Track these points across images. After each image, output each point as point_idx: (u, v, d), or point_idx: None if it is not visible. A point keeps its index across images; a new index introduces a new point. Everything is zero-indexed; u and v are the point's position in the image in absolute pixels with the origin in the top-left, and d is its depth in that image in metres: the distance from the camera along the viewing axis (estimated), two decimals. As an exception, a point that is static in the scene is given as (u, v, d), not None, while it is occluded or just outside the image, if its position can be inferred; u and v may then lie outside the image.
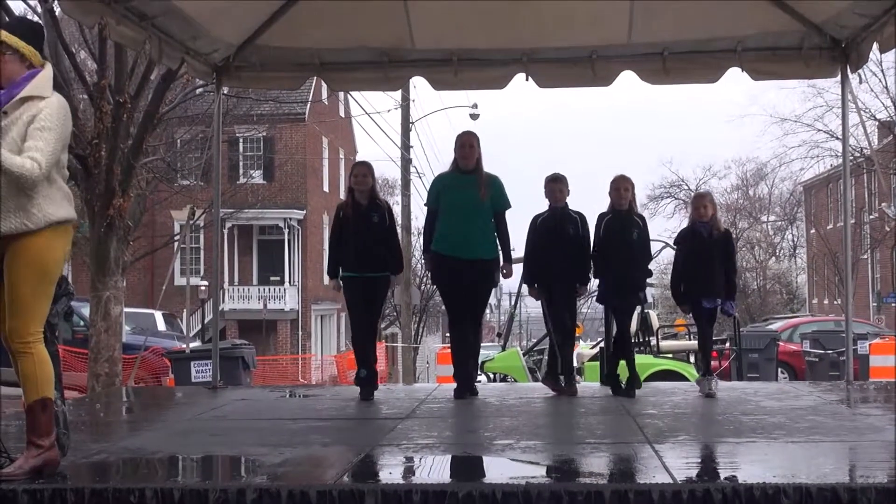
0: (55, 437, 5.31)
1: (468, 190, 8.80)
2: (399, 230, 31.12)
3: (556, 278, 9.05)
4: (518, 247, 9.74)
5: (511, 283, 10.04)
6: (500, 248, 9.04)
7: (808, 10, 9.61)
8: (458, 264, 8.77)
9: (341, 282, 9.03)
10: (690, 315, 9.75)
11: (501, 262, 9.07)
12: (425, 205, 9.26)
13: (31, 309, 5.10)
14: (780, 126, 42.45)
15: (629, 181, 9.10)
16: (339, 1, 9.79)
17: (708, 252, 8.97)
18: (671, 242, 9.73)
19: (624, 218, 9.00)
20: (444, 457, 6.15)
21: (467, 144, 8.92)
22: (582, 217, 9.11)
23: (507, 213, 9.09)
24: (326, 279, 9.84)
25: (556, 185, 9.08)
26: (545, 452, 6.12)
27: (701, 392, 9.01)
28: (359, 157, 52.94)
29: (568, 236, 8.98)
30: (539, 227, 9.08)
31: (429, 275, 8.93)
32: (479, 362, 18.19)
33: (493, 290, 9.47)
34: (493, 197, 8.90)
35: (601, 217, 9.10)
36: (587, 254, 9.13)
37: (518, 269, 9.77)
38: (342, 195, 44.24)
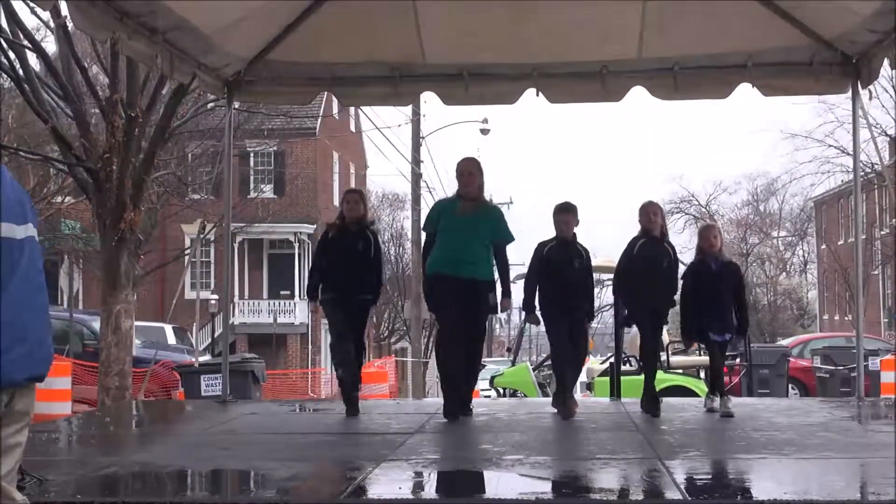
0: None
1: (467, 212, 8.72)
2: (409, 245, 31.06)
3: (562, 311, 8.93)
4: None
5: (520, 298, 9.96)
6: (499, 280, 8.92)
7: (819, 25, 9.61)
8: (452, 283, 8.58)
9: (321, 304, 9.07)
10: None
11: (500, 297, 8.95)
12: (423, 229, 9.24)
13: None
14: (790, 142, 42.55)
15: (657, 206, 9.12)
16: (350, 16, 9.82)
17: (718, 285, 8.93)
18: (682, 259, 9.65)
19: (656, 244, 8.96)
20: (454, 472, 6.14)
21: (466, 172, 8.81)
22: (587, 252, 9.04)
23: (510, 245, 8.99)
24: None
25: (563, 217, 8.95)
26: (555, 468, 6.11)
27: (706, 407, 8.99)
28: (369, 172, 53.08)
29: (573, 270, 8.88)
30: (545, 257, 8.94)
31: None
32: (490, 377, 18.22)
33: (491, 314, 9.26)
34: (494, 228, 8.78)
35: (634, 240, 9.01)
36: (592, 289, 9.19)
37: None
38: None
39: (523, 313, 10.03)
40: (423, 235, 9.32)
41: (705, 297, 8.92)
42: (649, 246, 8.93)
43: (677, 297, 9.30)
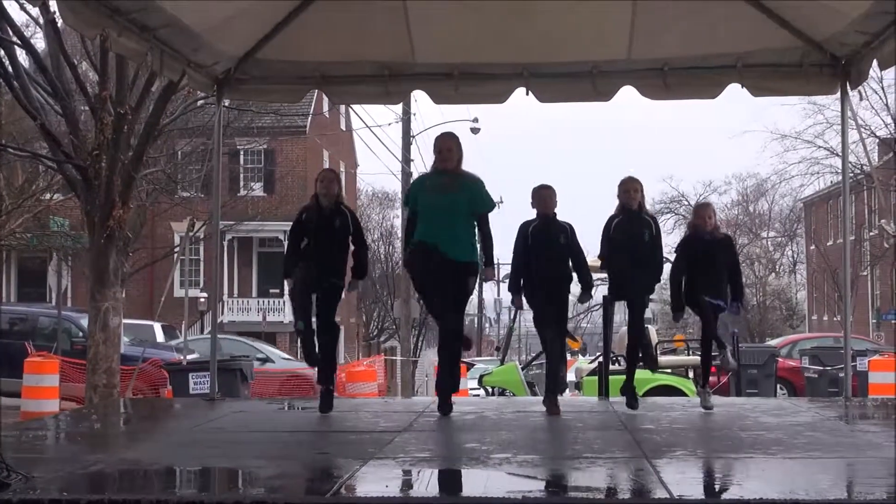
0: None
1: (444, 189, 8.53)
2: (399, 243, 30.89)
3: (548, 288, 8.83)
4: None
5: (509, 296, 9.91)
6: (482, 251, 8.67)
7: (809, 27, 9.64)
8: (432, 258, 8.40)
9: (294, 282, 8.90)
10: (691, 327, 9.66)
11: (482, 267, 8.72)
12: (405, 205, 9.09)
13: None
14: (780, 142, 42.35)
15: (637, 182, 9.00)
16: (341, 15, 9.82)
17: (711, 254, 8.92)
18: (670, 258, 9.66)
19: (635, 218, 8.90)
20: (441, 470, 6.14)
21: (445, 149, 8.62)
22: (570, 226, 8.92)
23: (493, 216, 8.73)
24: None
25: (546, 192, 8.87)
26: (542, 467, 6.11)
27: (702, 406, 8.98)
28: (359, 171, 53.04)
29: (559, 245, 8.82)
30: (530, 235, 8.83)
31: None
32: (479, 376, 18.22)
33: (473, 296, 9.06)
34: (474, 198, 8.59)
35: (611, 218, 8.96)
36: (584, 264, 9.04)
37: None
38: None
39: (511, 311, 10.00)
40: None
41: (698, 267, 8.90)
42: (628, 221, 8.88)
43: (664, 273, 9.26)
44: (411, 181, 9.29)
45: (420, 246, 8.59)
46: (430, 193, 8.63)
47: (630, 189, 8.93)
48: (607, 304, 9.87)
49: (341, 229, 8.80)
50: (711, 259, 8.92)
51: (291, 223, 9.19)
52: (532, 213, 9.00)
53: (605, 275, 9.35)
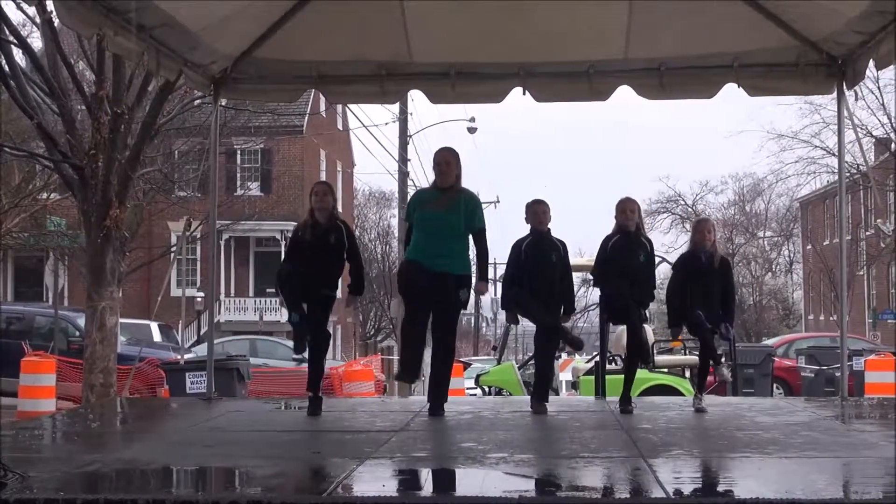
0: None
1: (441, 206, 8.65)
2: (396, 243, 30.87)
3: (544, 297, 8.92)
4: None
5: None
6: (478, 266, 8.84)
7: (806, 27, 9.65)
8: (424, 273, 8.52)
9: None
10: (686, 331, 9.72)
11: (476, 281, 8.85)
12: (405, 220, 9.18)
13: None
14: (777, 142, 42.38)
15: (634, 203, 9.10)
16: (338, 14, 9.82)
17: (707, 277, 8.98)
18: (667, 258, 9.73)
19: (632, 240, 8.97)
20: (438, 469, 6.14)
21: (443, 162, 8.72)
22: (564, 245, 9.02)
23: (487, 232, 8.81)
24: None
25: (539, 208, 8.98)
26: (539, 466, 6.12)
27: (695, 407, 9.02)
28: (356, 170, 53.05)
29: (552, 263, 8.91)
30: (523, 252, 8.94)
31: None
32: (476, 376, 18.22)
33: (462, 309, 9.10)
34: (470, 215, 8.68)
35: (607, 238, 9.04)
36: (571, 282, 9.18)
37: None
38: (339, 208, 44.01)
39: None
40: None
41: (694, 288, 8.97)
42: (624, 242, 8.96)
43: (657, 290, 9.33)
44: (409, 196, 9.28)
45: (413, 264, 8.69)
46: (427, 209, 8.72)
47: (627, 210, 9.01)
48: (604, 304, 9.88)
49: (336, 244, 8.83)
50: (707, 280, 9.00)
51: (290, 237, 9.21)
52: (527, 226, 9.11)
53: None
